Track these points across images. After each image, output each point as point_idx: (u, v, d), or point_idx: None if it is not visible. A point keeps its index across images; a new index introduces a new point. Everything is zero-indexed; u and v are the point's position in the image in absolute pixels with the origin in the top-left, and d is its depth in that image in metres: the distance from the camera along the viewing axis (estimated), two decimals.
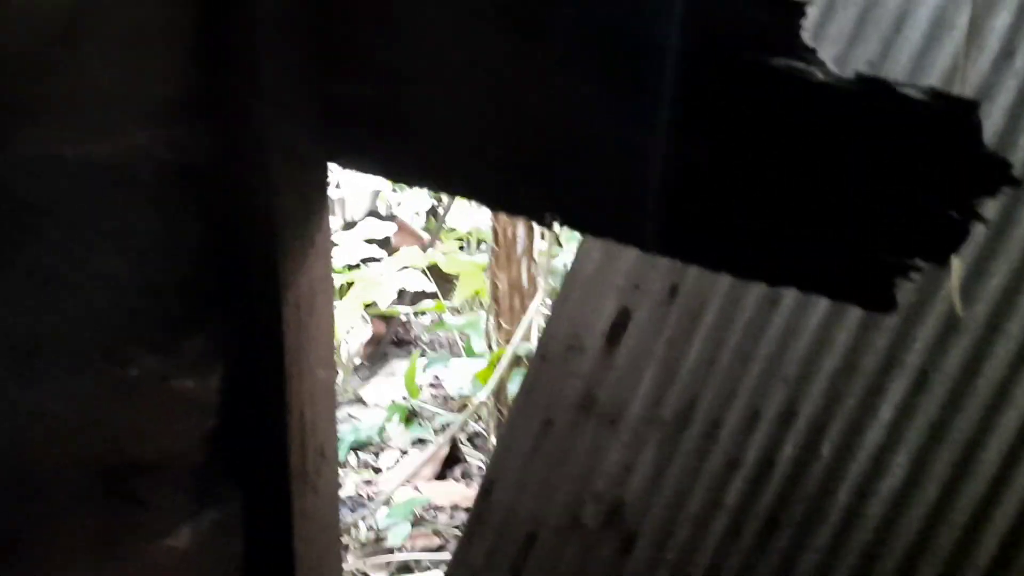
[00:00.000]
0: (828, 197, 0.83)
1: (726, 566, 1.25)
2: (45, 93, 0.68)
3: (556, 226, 0.95)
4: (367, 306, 2.84)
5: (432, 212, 4.13)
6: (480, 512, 1.28)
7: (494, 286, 2.15)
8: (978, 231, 1.12)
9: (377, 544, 2.23)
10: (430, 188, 0.95)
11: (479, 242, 3.97)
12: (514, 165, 0.93)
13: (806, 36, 0.82)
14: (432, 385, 3.17)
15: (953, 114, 0.79)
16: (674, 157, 0.87)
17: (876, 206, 0.83)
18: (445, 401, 3.09)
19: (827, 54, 0.80)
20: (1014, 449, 1.16)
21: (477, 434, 2.81)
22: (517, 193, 0.94)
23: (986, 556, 1.17)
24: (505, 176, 0.94)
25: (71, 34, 0.68)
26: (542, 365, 1.23)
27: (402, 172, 0.97)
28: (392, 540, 2.17)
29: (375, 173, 1.00)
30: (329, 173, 0.97)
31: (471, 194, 0.98)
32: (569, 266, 1.27)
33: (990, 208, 1.11)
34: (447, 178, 0.96)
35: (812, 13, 1.16)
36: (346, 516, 2.21)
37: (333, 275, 0.96)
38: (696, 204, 0.87)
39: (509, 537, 1.26)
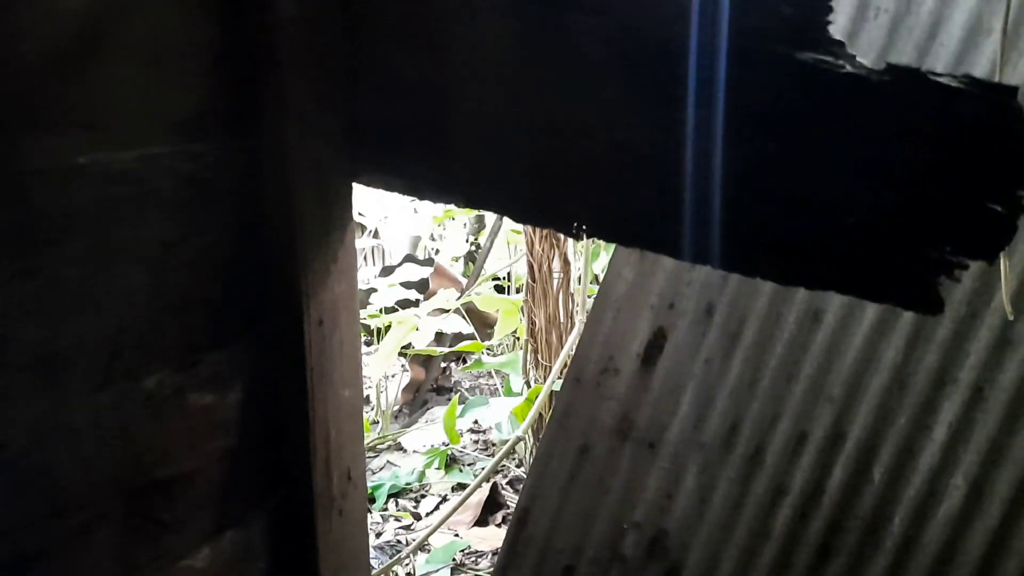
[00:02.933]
0: (865, 192, 0.80)
1: None
2: (63, 102, 0.68)
3: (585, 236, 0.93)
4: (404, 348, 2.83)
5: (470, 257, 4.14)
6: (514, 545, 1.23)
7: (531, 322, 2.12)
8: None
9: None
10: (458, 204, 0.93)
11: (519, 290, 3.96)
12: (541, 176, 0.92)
13: (834, 30, 0.80)
14: (473, 430, 3.13)
15: (992, 101, 0.76)
16: (704, 159, 0.85)
17: (914, 200, 0.79)
18: (487, 446, 3.05)
19: None
20: None
21: (519, 478, 2.75)
22: (544, 204, 0.92)
23: None
24: (532, 188, 0.92)
25: (90, 44, 0.69)
26: (576, 389, 1.20)
27: (428, 189, 0.96)
28: None
29: (400, 191, 0.99)
30: (353, 190, 0.96)
31: (500, 208, 0.97)
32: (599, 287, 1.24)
33: None
34: (475, 193, 0.95)
35: (841, 23, 1.13)
36: (384, 562, 2.17)
37: (358, 293, 0.95)
38: (728, 206, 0.84)
39: (545, 571, 1.22)
